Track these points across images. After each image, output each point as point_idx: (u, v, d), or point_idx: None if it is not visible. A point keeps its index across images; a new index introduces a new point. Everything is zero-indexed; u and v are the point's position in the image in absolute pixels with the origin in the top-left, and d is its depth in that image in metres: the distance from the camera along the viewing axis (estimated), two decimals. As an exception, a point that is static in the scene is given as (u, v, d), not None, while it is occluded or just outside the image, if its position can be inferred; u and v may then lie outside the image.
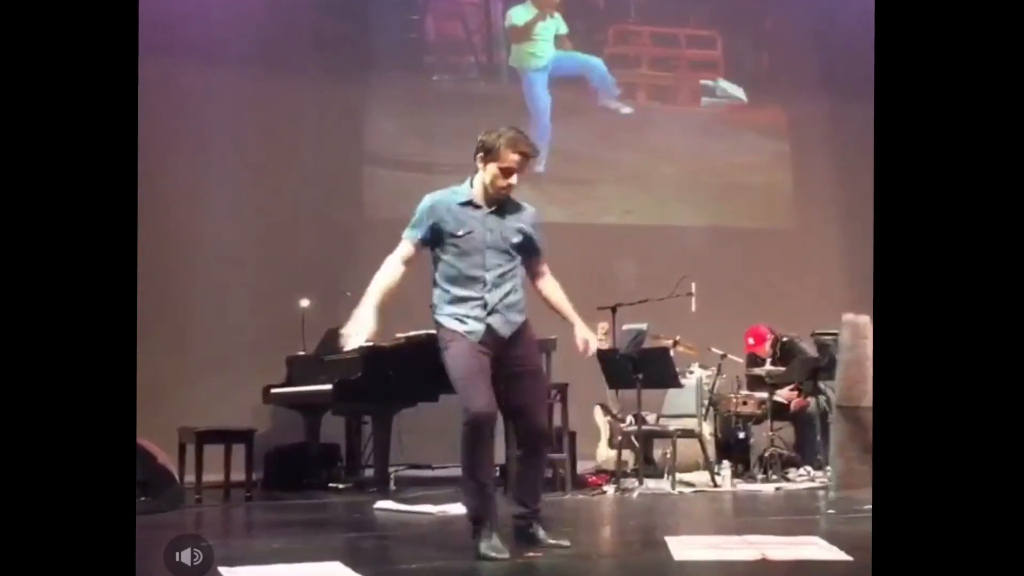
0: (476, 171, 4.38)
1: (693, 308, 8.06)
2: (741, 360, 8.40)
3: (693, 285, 8.09)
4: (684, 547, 4.39)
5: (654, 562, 4.23)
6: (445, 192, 4.45)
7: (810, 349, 8.14)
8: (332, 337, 7.95)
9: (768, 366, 8.04)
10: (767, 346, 8.27)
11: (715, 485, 7.36)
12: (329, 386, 7.34)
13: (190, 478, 6.95)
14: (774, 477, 7.53)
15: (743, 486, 7.44)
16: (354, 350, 7.49)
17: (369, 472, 7.82)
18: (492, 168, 4.30)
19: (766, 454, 7.73)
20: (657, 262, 9.20)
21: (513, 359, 4.36)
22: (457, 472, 8.26)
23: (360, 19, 9.88)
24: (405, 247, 4.45)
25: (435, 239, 4.37)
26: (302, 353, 7.92)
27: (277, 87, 9.34)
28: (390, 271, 4.41)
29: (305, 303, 8.08)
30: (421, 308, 8.17)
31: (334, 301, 8.40)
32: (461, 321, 4.32)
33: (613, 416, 8.09)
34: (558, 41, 10.35)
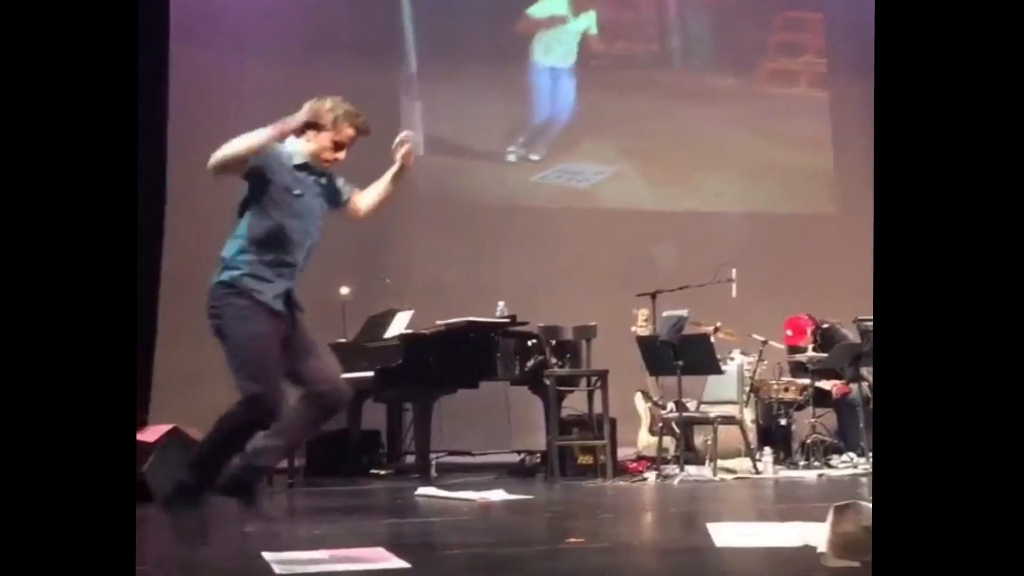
0: (299, 138, 4.04)
1: (734, 294, 8.02)
2: (782, 346, 8.35)
3: (734, 271, 8.06)
4: (726, 534, 4.37)
5: (696, 548, 4.21)
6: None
7: (852, 335, 8.07)
8: (373, 324, 8.00)
9: (810, 352, 7.99)
10: (807, 336, 8.21)
11: (756, 472, 7.34)
12: (370, 373, 7.37)
13: (233, 465, 7.01)
14: (816, 464, 7.49)
15: (785, 473, 7.41)
16: (395, 337, 7.57)
17: (410, 459, 7.86)
18: (324, 139, 4.03)
19: (808, 440, 7.69)
20: (697, 248, 9.16)
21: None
22: (498, 458, 8.35)
23: (397, 7, 9.89)
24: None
25: (260, 187, 3.96)
26: (343, 340, 7.96)
27: (312, 76, 9.34)
28: None
29: (345, 291, 8.12)
30: (460, 297, 8.21)
31: (374, 288, 8.46)
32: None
33: (654, 403, 8.07)
34: (584, 41, 10.33)
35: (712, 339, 7.53)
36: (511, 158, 10.07)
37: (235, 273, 3.89)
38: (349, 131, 4.08)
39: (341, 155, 4.10)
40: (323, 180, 4.13)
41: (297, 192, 3.99)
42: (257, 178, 3.91)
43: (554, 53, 10.27)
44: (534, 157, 10.11)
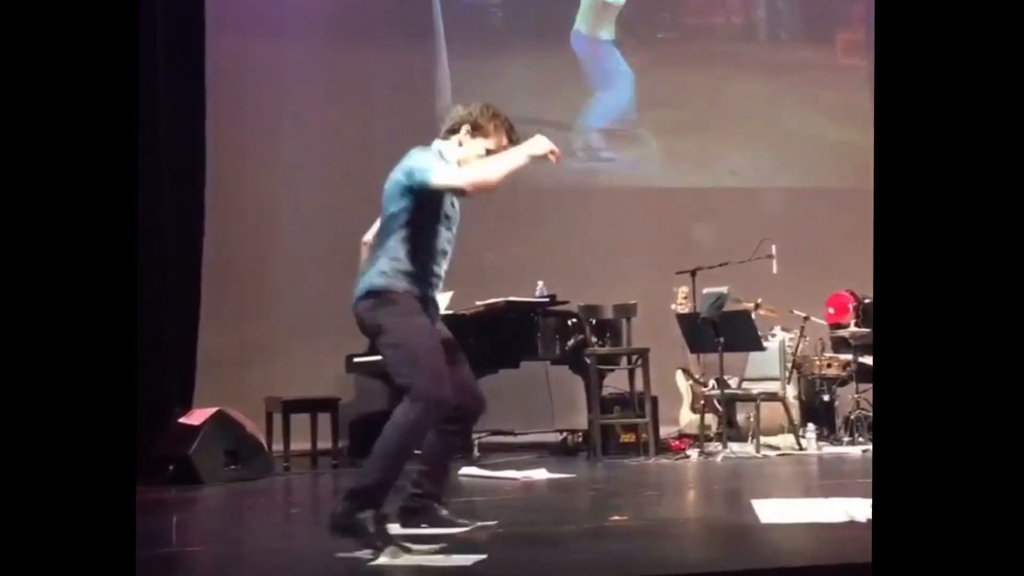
0: (447, 142, 4.04)
1: (774, 270, 7.97)
2: (824, 322, 8.29)
3: (774, 247, 8.00)
4: (771, 510, 4.37)
5: (741, 525, 4.21)
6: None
7: (895, 309, 7.98)
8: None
9: (852, 328, 7.94)
10: (850, 312, 8.14)
11: (800, 448, 7.31)
12: (411, 354, 7.38)
13: (278, 447, 7.08)
14: (860, 439, 7.45)
15: (829, 449, 7.38)
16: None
17: (452, 439, 7.87)
18: (478, 145, 4.00)
19: (852, 416, 7.65)
20: (736, 224, 9.10)
21: None
22: (540, 438, 8.33)
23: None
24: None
25: (434, 201, 3.93)
26: (383, 322, 7.97)
27: (349, 55, 9.35)
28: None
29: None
30: (500, 277, 8.18)
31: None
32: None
33: (695, 380, 8.05)
34: (624, 13, 10.20)
35: (753, 316, 7.50)
36: (580, 155, 9.95)
37: (391, 281, 3.86)
38: (504, 140, 4.01)
39: None
40: None
41: (454, 201, 3.97)
42: (430, 192, 3.87)
43: (591, 24, 10.13)
44: (606, 155, 10.01)
